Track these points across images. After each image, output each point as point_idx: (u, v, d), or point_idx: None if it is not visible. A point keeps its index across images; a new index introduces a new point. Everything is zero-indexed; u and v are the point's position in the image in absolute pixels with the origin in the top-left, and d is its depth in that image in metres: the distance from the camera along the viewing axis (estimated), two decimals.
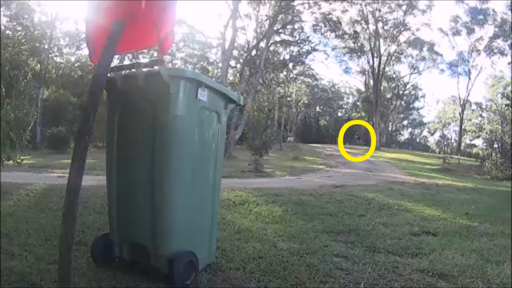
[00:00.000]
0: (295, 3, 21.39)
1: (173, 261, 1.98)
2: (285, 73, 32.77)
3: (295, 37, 27.06)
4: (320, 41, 27.80)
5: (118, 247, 2.23)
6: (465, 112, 38.07)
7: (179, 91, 2.02)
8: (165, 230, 2.04)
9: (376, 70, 32.51)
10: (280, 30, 23.48)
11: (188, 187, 2.12)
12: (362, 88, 42.08)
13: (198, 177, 2.22)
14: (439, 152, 33.97)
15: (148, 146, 2.05)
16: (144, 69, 2.07)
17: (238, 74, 27.27)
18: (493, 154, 18.00)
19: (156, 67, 2.04)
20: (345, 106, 52.25)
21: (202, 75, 2.16)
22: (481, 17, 31.28)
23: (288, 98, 38.42)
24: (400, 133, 57.05)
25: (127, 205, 2.18)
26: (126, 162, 2.16)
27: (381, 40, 32.37)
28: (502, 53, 31.86)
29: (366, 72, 36.72)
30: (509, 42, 29.96)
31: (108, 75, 1.99)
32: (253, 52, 22.04)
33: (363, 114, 43.30)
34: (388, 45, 32.64)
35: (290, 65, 31.28)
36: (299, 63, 31.98)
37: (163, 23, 1.96)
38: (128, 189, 2.16)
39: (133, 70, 2.12)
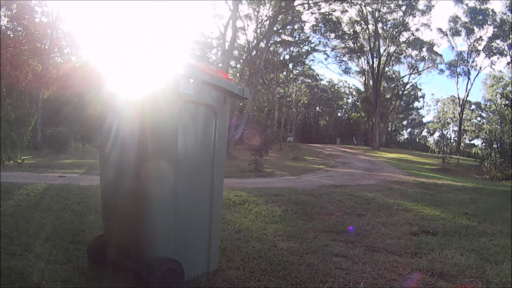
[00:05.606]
0: (295, 3, 21.42)
1: (150, 266, 1.89)
2: (285, 73, 32.77)
3: (295, 37, 27.11)
4: (320, 42, 27.74)
5: (108, 248, 2.20)
6: (464, 112, 38.13)
7: (162, 86, 1.91)
8: (145, 234, 1.97)
9: (376, 70, 32.53)
10: (280, 31, 23.51)
11: (171, 190, 2.00)
12: (362, 88, 42.09)
13: (187, 178, 2.08)
14: (439, 152, 33.99)
15: (132, 146, 2.00)
16: None
17: (238, 74, 27.27)
18: (492, 154, 18.05)
19: None
20: (344, 106, 52.31)
21: (192, 64, 2.03)
22: (480, 17, 31.35)
23: (288, 98, 38.41)
24: (399, 133, 57.11)
25: (113, 207, 2.15)
26: (112, 164, 2.13)
27: (381, 41, 32.41)
28: (501, 53, 32.02)
29: (366, 72, 36.72)
30: (508, 42, 30.06)
31: None
32: (253, 53, 22.07)
33: (362, 114, 43.31)
34: (388, 46, 32.67)
35: (290, 65, 31.29)
36: (299, 64, 32.00)
37: None
38: (113, 191, 2.13)
39: None
